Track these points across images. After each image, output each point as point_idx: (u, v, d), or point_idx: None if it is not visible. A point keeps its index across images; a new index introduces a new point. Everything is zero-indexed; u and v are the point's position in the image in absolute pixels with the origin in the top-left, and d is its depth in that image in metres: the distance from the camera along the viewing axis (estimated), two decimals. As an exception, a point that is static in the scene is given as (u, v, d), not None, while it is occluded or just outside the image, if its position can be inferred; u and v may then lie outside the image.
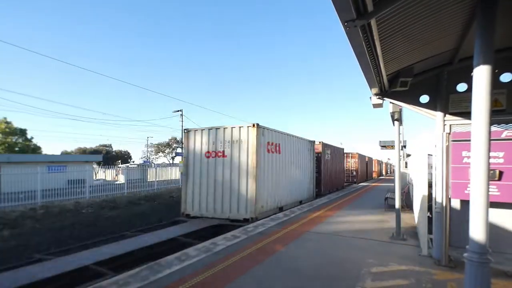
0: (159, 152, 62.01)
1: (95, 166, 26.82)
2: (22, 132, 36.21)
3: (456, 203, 5.21)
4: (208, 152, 10.94)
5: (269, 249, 6.06)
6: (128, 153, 65.26)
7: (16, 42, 33.77)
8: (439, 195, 5.24)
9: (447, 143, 5.14)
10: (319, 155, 17.68)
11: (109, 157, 54.67)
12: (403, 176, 14.44)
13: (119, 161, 58.08)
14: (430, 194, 5.85)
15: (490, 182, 4.31)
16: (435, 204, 5.33)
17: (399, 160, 7.68)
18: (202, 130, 11.18)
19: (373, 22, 3.36)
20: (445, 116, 5.47)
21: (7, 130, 34.15)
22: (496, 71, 4.96)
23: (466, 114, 5.20)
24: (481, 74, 3.02)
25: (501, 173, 4.69)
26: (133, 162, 59.76)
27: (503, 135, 4.75)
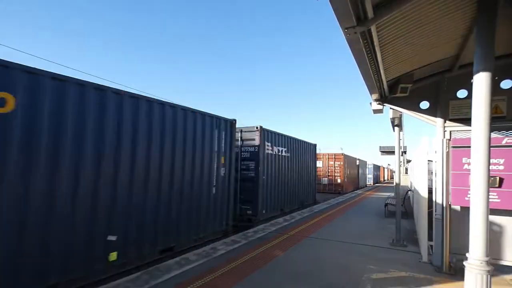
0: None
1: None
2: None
3: (456, 210, 5.19)
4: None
5: (269, 255, 6.03)
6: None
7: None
8: (439, 202, 5.23)
9: (447, 150, 5.14)
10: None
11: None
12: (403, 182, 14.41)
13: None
14: (430, 201, 5.83)
15: (491, 189, 4.31)
16: (435, 211, 5.31)
17: (399, 166, 7.68)
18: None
19: (373, 28, 3.38)
20: (445, 122, 5.48)
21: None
22: (496, 78, 4.98)
23: (467, 121, 5.21)
24: (481, 81, 3.04)
25: (501, 180, 4.68)
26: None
27: (503, 142, 4.75)
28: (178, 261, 5.49)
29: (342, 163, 24.68)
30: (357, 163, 30.90)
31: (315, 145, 16.55)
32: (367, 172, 40.24)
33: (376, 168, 48.68)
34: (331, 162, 25.00)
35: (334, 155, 25.00)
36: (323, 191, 23.92)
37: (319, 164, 23.86)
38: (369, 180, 41.78)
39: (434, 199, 5.40)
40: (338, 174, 24.68)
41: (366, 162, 38.29)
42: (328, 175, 24.96)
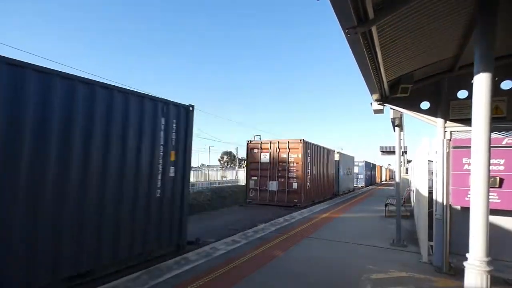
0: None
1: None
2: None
3: (456, 210, 5.20)
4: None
5: (269, 255, 6.03)
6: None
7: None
8: (439, 202, 5.23)
9: (447, 150, 5.14)
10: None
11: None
12: (402, 182, 14.32)
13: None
14: (430, 201, 5.83)
15: (491, 189, 4.31)
16: (436, 211, 5.31)
17: (400, 166, 7.68)
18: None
19: (374, 29, 3.39)
20: (445, 122, 5.48)
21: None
22: (496, 78, 4.98)
23: (467, 121, 5.21)
24: (481, 81, 3.04)
25: (501, 180, 4.69)
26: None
27: (503, 142, 4.76)
28: (178, 261, 5.49)
29: (300, 155, 15.20)
30: (336, 158, 21.85)
31: (183, 108, 6.54)
32: (355, 171, 31.73)
33: (370, 166, 39.44)
34: (284, 155, 15.57)
35: (288, 143, 15.58)
36: (270, 204, 15.49)
37: (264, 158, 16.10)
38: (360, 182, 34.21)
39: (434, 199, 5.41)
40: (294, 175, 15.25)
41: (353, 157, 28.74)
42: (279, 177, 15.63)
